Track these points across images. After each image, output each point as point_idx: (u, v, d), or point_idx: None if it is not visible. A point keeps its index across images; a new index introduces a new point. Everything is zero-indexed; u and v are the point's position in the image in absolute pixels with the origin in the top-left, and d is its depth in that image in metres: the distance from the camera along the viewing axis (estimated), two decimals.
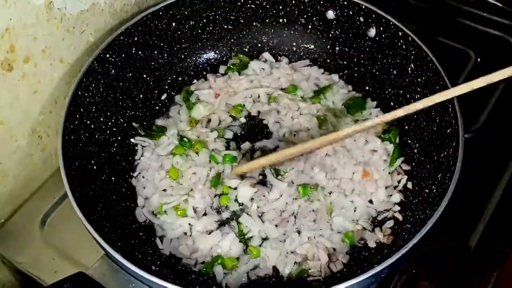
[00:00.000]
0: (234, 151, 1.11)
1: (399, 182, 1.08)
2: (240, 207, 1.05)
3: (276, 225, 1.02)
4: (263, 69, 1.23)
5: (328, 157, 1.09)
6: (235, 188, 1.06)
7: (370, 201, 1.05)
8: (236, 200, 1.05)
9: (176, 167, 1.09)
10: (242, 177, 1.07)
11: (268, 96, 1.19)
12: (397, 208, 1.04)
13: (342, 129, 0.98)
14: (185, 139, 1.12)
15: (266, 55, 1.26)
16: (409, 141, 1.11)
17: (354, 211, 1.04)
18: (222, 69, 1.25)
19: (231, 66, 1.24)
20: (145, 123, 1.16)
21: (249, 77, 1.22)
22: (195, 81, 1.23)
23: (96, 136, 1.06)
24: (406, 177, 1.07)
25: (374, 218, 1.04)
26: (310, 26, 1.24)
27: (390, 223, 1.02)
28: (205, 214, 1.04)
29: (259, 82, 1.21)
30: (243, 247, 1.00)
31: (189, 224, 1.02)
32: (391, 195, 1.06)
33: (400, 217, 1.03)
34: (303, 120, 1.15)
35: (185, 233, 1.02)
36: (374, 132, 1.12)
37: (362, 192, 1.05)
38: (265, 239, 1.01)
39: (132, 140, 1.13)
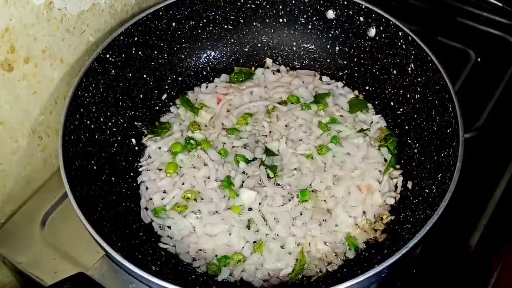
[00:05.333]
0: (249, 152, 1.11)
1: (396, 186, 1.08)
2: (248, 210, 1.05)
3: (278, 225, 1.02)
4: (265, 80, 1.23)
5: (327, 170, 1.09)
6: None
7: (367, 204, 1.05)
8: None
9: (180, 165, 1.10)
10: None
11: (268, 107, 1.18)
12: (388, 208, 1.05)
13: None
14: (192, 141, 1.12)
15: (269, 61, 1.26)
16: (409, 141, 1.11)
17: (351, 214, 1.04)
18: (224, 77, 1.25)
19: (235, 76, 1.23)
20: (145, 123, 1.16)
21: (251, 88, 1.21)
22: (196, 85, 1.24)
23: (96, 136, 1.06)
24: (402, 178, 1.08)
25: (370, 218, 1.04)
26: (310, 26, 1.24)
27: (385, 221, 1.03)
28: (213, 213, 1.05)
29: (259, 92, 1.21)
30: (249, 246, 1.00)
31: (193, 225, 1.03)
32: (387, 198, 1.06)
33: (394, 217, 1.03)
34: (304, 129, 1.15)
35: (191, 233, 1.03)
36: (373, 140, 1.13)
37: (360, 201, 1.05)
38: (268, 238, 1.01)
39: (133, 140, 1.13)
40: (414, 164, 1.08)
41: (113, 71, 1.10)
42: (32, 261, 1.02)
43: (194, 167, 1.10)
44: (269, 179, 1.08)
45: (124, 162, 1.10)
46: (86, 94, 1.04)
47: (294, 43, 1.27)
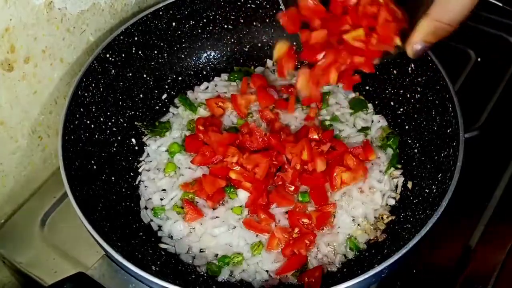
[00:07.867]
0: None
1: (396, 186, 1.08)
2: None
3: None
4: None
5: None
6: None
7: (368, 205, 1.05)
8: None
9: (177, 165, 1.10)
10: None
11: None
12: (389, 208, 1.05)
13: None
14: None
15: (269, 62, 1.26)
16: (409, 141, 1.11)
17: (352, 214, 1.04)
18: (224, 76, 1.25)
19: (235, 76, 1.23)
20: (145, 123, 1.16)
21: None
22: (197, 85, 1.23)
23: (96, 136, 1.06)
24: (402, 178, 1.08)
25: (370, 218, 1.04)
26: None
27: (386, 221, 1.03)
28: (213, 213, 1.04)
29: None
30: (249, 246, 1.00)
31: (193, 225, 1.03)
32: (388, 198, 1.06)
33: (394, 217, 1.03)
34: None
35: (191, 233, 1.03)
36: (374, 139, 1.13)
37: (360, 201, 1.05)
38: (267, 239, 1.01)
39: (133, 140, 1.13)
40: (414, 164, 1.08)
41: (113, 71, 1.10)
42: (32, 261, 1.03)
43: (191, 168, 1.09)
44: None
45: (124, 162, 1.10)
46: (86, 94, 1.04)
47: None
